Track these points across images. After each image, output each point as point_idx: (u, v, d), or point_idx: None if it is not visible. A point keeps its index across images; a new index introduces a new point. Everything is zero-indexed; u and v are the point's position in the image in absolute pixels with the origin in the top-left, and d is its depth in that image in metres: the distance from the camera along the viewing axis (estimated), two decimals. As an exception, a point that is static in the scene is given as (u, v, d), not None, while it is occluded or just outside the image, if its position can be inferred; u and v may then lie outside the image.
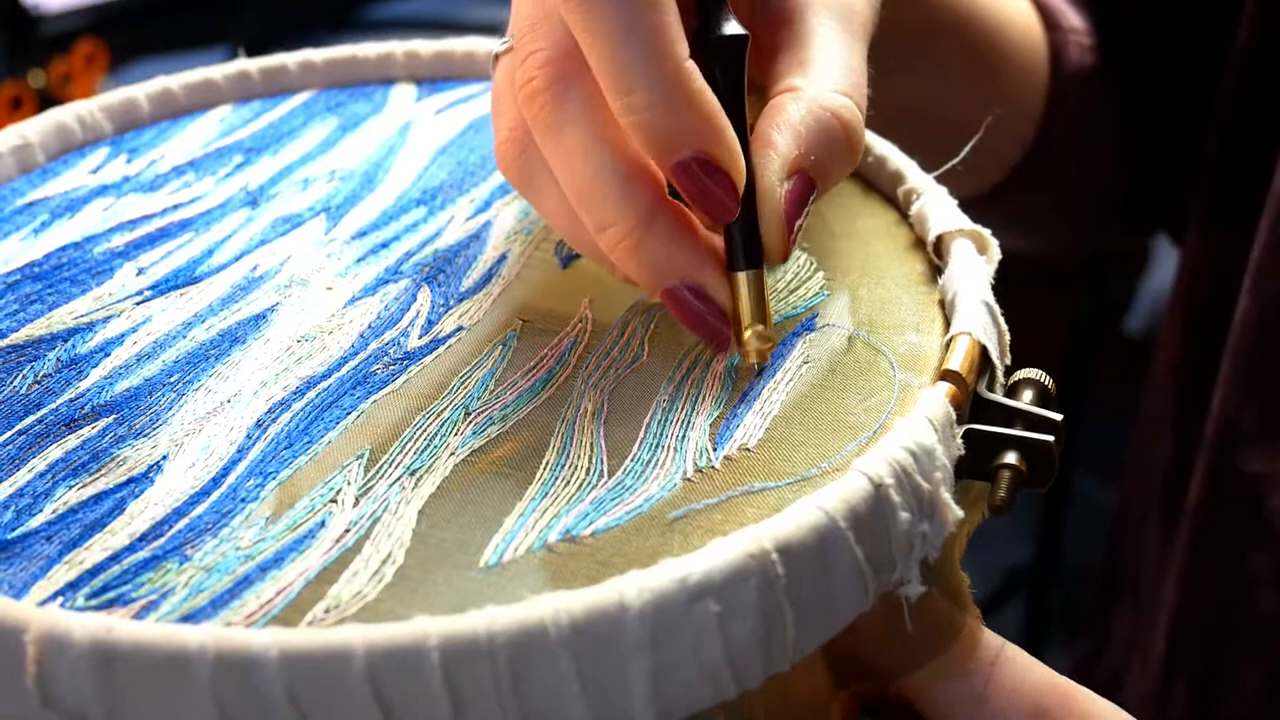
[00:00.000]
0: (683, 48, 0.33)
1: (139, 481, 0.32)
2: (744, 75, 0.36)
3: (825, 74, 0.37)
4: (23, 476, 0.32)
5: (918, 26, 0.55)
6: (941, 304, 0.38)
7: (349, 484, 0.32)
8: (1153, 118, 0.65)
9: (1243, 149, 0.59)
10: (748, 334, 0.35)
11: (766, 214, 0.35)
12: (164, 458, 0.33)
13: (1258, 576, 0.56)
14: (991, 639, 0.33)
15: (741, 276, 0.35)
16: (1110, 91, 0.64)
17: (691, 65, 0.33)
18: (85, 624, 0.25)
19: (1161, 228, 0.70)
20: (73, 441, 0.33)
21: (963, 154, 0.41)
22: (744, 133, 0.36)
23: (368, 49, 0.51)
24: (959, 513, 0.31)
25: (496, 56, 0.38)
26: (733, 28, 0.36)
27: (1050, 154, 0.62)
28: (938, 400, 0.32)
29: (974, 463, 0.33)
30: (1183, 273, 0.63)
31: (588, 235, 0.35)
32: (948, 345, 0.35)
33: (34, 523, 0.31)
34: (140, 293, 0.39)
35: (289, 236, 0.42)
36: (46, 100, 1.19)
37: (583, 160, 0.34)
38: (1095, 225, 0.71)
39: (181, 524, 0.31)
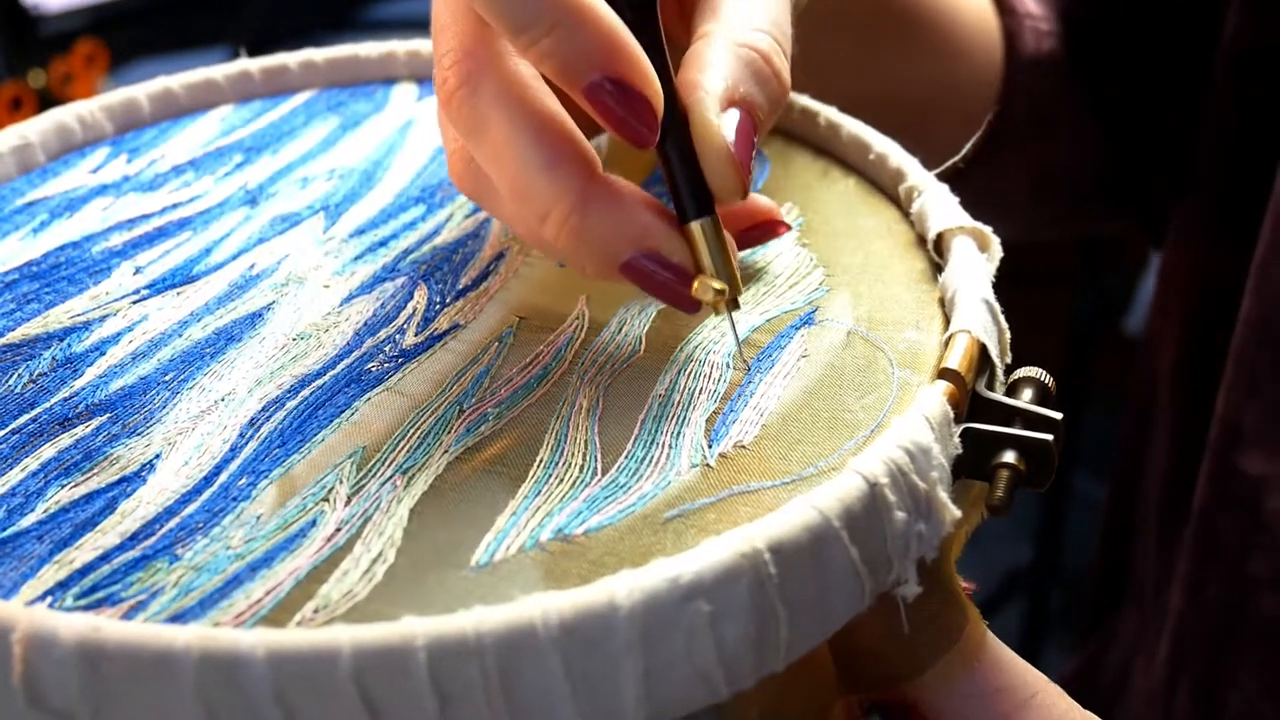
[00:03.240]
0: None
1: (131, 480, 0.32)
2: (658, 19, 0.35)
3: (738, 16, 0.36)
4: (15, 475, 0.32)
5: (866, 5, 0.55)
6: (941, 302, 0.37)
7: (341, 482, 0.32)
8: (1123, 103, 0.64)
9: (1241, 150, 0.58)
10: (696, 285, 0.34)
11: (710, 152, 0.34)
12: (157, 456, 0.33)
13: (1259, 579, 0.55)
14: (1011, 659, 0.33)
15: (695, 228, 0.34)
16: (1075, 76, 0.63)
17: None
18: (71, 623, 0.25)
19: (1141, 212, 0.69)
20: (66, 440, 0.33)
21: (963, 152, 0.41)
22: (669, 78, 0.34)
23: (369, 48, 0.51)
24: (956, 512, 0.31)
25: None
26: None
27: (1010, 138, 0.62)
28: (935, 399, 0.32)
29: (973, 462, 0.33)
30: (1174, 275, 0.63)
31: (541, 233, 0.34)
32: (947, 343, 0.35)
33: (25, 522, 0.31)
34: (137, 291, 0.39)
35: (287, 235, 0.42)
36: (46, 100, 1.19)
37: (508, 152, 0.33)
38: (1074, 207, 0.70)
39: (173, 523, 0.31)
